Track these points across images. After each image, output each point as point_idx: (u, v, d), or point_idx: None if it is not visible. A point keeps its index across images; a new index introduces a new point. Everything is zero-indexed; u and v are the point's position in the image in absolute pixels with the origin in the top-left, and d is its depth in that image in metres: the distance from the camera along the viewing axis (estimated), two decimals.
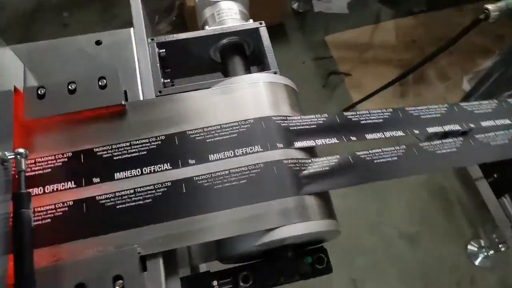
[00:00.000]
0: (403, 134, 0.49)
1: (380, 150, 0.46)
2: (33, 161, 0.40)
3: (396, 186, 1.49)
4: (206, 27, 0.59)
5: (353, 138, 0.47)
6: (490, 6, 0.89)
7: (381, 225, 1.45)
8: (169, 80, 0.53)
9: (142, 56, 0.50)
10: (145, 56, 0.51)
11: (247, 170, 0.41)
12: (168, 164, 0.41)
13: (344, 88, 1.75)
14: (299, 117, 0.46)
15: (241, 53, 0.58)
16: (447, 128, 0.51)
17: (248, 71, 0.58)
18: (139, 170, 0.41)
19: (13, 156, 0.36)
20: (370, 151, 0.46)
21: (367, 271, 1.36)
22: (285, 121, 0.45)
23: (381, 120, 0.49)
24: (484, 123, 0.52)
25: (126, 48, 0.50)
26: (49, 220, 0.38)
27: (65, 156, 0.41)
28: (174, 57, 0.57)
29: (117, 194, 0.40)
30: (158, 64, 0.51)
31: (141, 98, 0.47)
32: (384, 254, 1.39)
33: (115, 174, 0.41)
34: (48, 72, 0.47)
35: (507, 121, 0.53)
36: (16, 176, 0.37)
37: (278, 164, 0.42)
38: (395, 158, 0.46)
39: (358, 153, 0.45)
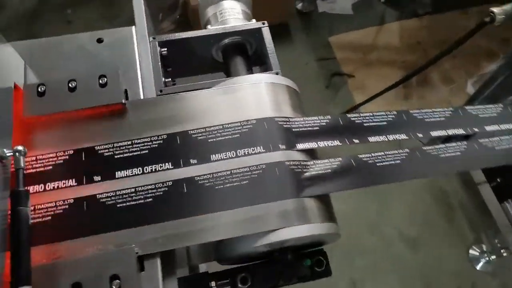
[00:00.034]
0: (407, 137, 0.48)
1: (382, 153, 0.46)
2: (34, 158, 0.40)
3: (398, 188, 1.48)
4: (209, 26, 0.59)
5: (356, 141, 0.47)
6: (495, 9, 0.88)
7: (382, 227, 1.44)
8: (170, 79, 0.53)
9: (143, 54, 0.50)
10: (146, 55, 0.50)
11: (248, 171, 0.41)
12: (170, 163, 0.41)
13: (347, 89, 1.74)
14: (301, 119, 0.46)
15: (243, 53, 0.58)
16: (451, 132, 0.50)
17: (250, 71, 0.58)
18: (140, 169, 0.41)
19: (12, 154, 0.36)
20: (372, 154, 0.46)
21: (367, 273, 1.36)
22: (288, 123, 0.45)
23: (384, 123, 0.48)
24: (489, 128, 0.52)
25: (127, 47, 0.49)
26: (49, 217, 0.38)
27: (66, 153, 0.41)
28: (176, 56, 0.56)
29: (118, 192, 0.39)
30: (160, 63, 0.51)
31: (142, 97, 0.47)
32: (385, 256, 1.39)
33: (116, 172, 0.40)
34: (49, 69, 0.47)
35: None
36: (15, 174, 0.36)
37: (280, 165, 0.42)
38: (398, 161, 0.45)
39: (361, 156, 0.45)
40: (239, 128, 0.43)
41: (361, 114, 0.48)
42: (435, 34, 1.86)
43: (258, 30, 0.56)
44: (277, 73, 0.52)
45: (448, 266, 1.37)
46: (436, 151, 0.47)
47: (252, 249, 0.41)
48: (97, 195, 0.39)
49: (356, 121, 0.48)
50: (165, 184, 0.40)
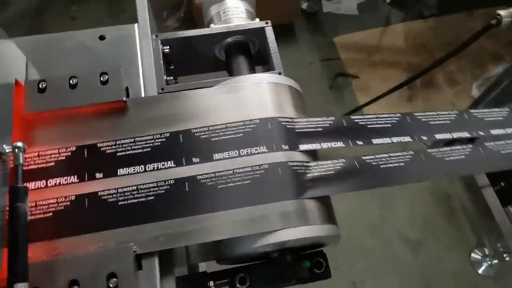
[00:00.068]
0: (411, 140, 0.48)
1: (386, 155, 0.45)
2: (36, 154, 0.40)
3: (399, 190, 1.47)
4: (212, 25, 0.58)
5: (360, 143, 0.46)
6: (502, 12, 0.88)
7: (383, 228, 1.44)
8: (172, 78, 0.53)
9: (145, 52, 0.50)
10: (148, 53, 0.50)
11: (251, 170, 0.41)
12: (172, 162, 0.41)
13: (351, 90, 1.73)
14: (305, 119, 0.46)
15: (246, 53, 0.58)
16: (456, 135, 0.50)
17: (252, 70, 0.57)
18: (143, 167, 0.41)
19: (11, 150, 0.36)
20: (376, 156, 0.45)
21: (367, 274, 1.35)
22: (291, 123, 0.45)
23: (388, 125, 0.48)
24: (494, 131, 0.52)
25: (129, 44, 0.49)
26: (50, 214, 0.38)
27: (68, 150, 0.41)
28: (178, 55, 0.56)
29: (119, 190, 0.39)
30: (162, 61, 0.51)
31: (143, 95, 0.47)
32: (385, 257, 1.38)
33: (118, 170, 0.40)
34: (51, 65, 0.47)
35: None
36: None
37: (283, 166, 0.42)
38: (402, 163, 0.45)
39: (364, 158, 0.45)
40: (242, 127, 0.43)
41: (365, 116, 0.48)
42: (441, 36, 1.85)
43: (261, 30, 0.56)
44: (279, 73, 0.51)
45: (449, 269, 1.37)
46: (441, 154, 0.47)
47: (251, 250, 0.41)
48: (99, 192, 0.39)
49: (360, 123, 0.47)
50: (167, 183, 0.40)
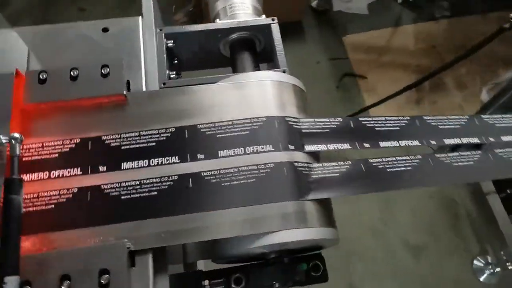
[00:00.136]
0: (419, 144, 0.47)
1: (394, 158, 0.45)
2: (40, 145, 0.40)
3: (404, 194, 1.46)
4: (217, 20, 0.58)
5: (367, 145, 0.46)
6: None
7: (385, 232, 1.42)
8: (175, 73, 0.52)
9: (148, 46, 0.49)
10: (152, 47, 0.50)
11: (256, 169, 0.40)
12: (176, 157, 0.40)
13: (358, 91, 1.72)
14: (311, 120, 0.45)
15: (251, 49, 0.57)
16: (465, 140, 0.49)
17: (257, 68, 0.57)
18: (147, 161, 0.40)
19: (8, 141, 0.36)
20: (383, 159, 0.45)
21: (367, 278, 1.35)
22: (298, 123, 0.44)
23: (397, 128, 0.47)
24: (505, 138, 0.51)
25: (132, 37, 0.49)
26: (52, 206, 0.38)
27: (72, 142, 0.40)
28: (182, 49, 0.56)
29: (122, 184, 0.39)
30: (165, 56, 0.50)
31: (144, 89, 0.46)
32: (386, 262, 1.37)
33: (122, 164, 0.40)
34: (53, 56, 0.47)
35: None
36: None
37: (288, 165, 0.41)
38: (409, 167, 0.44)
39: (371, 161, 0.44)
40: (249, 125, 0.42)
41: (373, 118, 0.47)
42: (452, 39, 1.83)
43: (268, 27, 0.55)
44: (284, 71, 0.51)
45: (450, 276, 1.35)
46: (449, 159, 0.46)
47: (248, 250, 0.40)
48: (102, 186, 0.39)
49: (368, 125, 0.47)
50: (170, 178, 0.39)
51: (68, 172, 0.39)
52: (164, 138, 0.41)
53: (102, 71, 0.42)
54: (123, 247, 0.35)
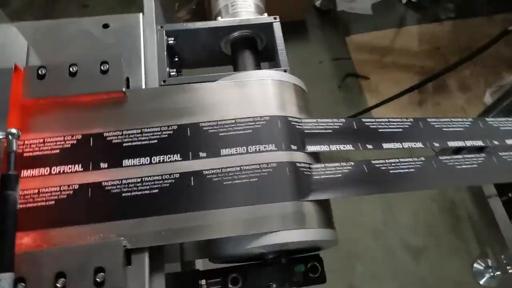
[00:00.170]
0: (423, 146, 0.47)
1: (397, 160, 0.45)
2: (41, 140, 0.40)
3: (405, 195, 1.46)
4: (219, 18, 0.57)
5: (369, 146, 0.45)
6: None
7: (386, 233, 1.42)
8: (175, 70, 0.52)
9: (149, 43, 0.49)
10: (152, 44, 0.49)
11: (259, 168, 0.40)
12: (178, 155, 0.40)
13: (361, 91, 1.71)
14: (314, 120, 0.45)
15: (253, 48, 0.56)
16: (469, 143, 0.49)
17: (258, 66, 0.56)
18: (148, 159, 0.40)
19: (4, 136, 0.35)
20: (386, 161, 0.44)
21: (367, 279, 1.34)
22: (300, 123, 0.44)
23: (400, 130, 0.47)
24: (510, 141, 0.50)
25: (133, 34, 0.48)
26: (52, 202, 0.37)
27: (74, 138, 0.40)
28: (183, 47, 0.55)
29: (123, 181, 0.39)
30: (165, 53, 0.50)
31: (143, 86, 0.46)
32: (386, 263, 1.37)
33: (124, 161, 0.40)
34: (52, 52, 0.46)
35: None
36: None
37: (291, 166, 0.41)
38: (412, 169, 0.44)
39: (374, 162, 0.44)
40: (251, 123, 0.42)
41: (377, 119, 0.47)
42: (456, 40, 1.82)
43: (269, 25, 0.54)
44: (285, 71, 0.50)
45: (450, 278, 1.35)
46: (453, 161, 0.46)
47: (245, 250, 0.40)
48: (103, 183, 0.38)
49: (371, 126, 0.46)
50: (172, 176, 0.39)
51: (69, 168, 0.39)
52: (166, 135, 0.41)
53: (102, 67, 0.42)
54: (119, 245, 0.35)
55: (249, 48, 0.56)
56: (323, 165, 0.43)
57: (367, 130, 0.46)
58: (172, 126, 0.41)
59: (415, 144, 0.47)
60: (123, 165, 0.39)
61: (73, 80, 0.42)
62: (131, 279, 0.35)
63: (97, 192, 0.38)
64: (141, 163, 0.40)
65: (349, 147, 0.45)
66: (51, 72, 0.42)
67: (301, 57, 1.72)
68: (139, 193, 0.38)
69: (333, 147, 0.44)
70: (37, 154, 0.39)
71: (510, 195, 1.22)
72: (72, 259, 0.34)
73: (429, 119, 0.49)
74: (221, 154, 0.41)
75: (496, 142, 0.50)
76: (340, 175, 0.42)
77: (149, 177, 0.39)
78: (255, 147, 0.41)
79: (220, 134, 0.41)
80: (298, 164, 0.41)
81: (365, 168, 0.43)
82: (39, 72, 0.41)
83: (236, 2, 0.57)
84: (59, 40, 0.47)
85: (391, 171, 0.43)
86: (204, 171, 0.40)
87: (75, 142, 0.40)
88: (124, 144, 0.40)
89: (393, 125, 0.47)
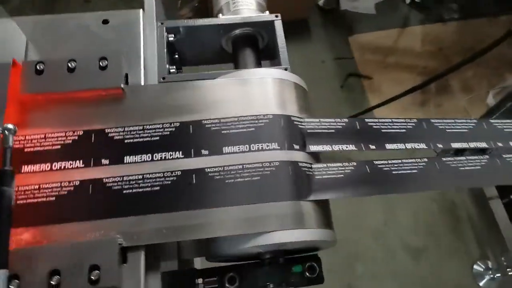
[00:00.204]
0: (426, 147, 0.46)
1: (399, 161, 0.44)
2: (42, 136, 0.39)
3: (405, 196, 1.45)
4: (220, 15, 0.57)
5: (372, 147, 0.45)
6: None
7: (386, 234, 1.41)
8: (175, 67, 0.51)
9: (149, 39, 0.49)
10: (152, 40, 0.49)
11: (261, 166, 0.40)
12: (180, 152, 0.40)
13: (363, 91, 1.70)
14: (317, 120, 0.44)
15: (254, 46, 0.56)
16: (472, 144, 0.48)
17: (259, 65, 0.56)
18: (150, 155, 0.39)
19: (1, 131, 0.35)
20: (389, 161, 0.44)
21: (366, 279, 1.34)
22: (303, 123, 0.44)
23: (403, 130, 0.47)
24: None
25: (133, 30, 0.48)
26: (53, 198, 0.37)
27: (75, 134, 0.40)
28: (183, 44, 0.55)
29: (125, 178, 0.38)
30: (165, 50, 0.50)
31: (142, 83, 0.45)
32: (386, 263, 1.36)
33: (125, 157, 0.39)
34: (51, 47, 0.46)
35: None
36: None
37: (293, 165, 0.40)
38: (415, 170, 0.44)
39: (376, 162, 0.43)
40: (254, 122, 0.42)
41: (380, 120, 0.47)
42: (460, 41, 1.80)
43: (271, 23, 0.54)
44: (286, 69, 0.50)
45: (450, 280, 1.34)
46: (456, 163, 0.46)
47: (243, 250, 0.39)
48: (104, 179, 0.38)
49: (374, 126, 0.46)
50: (173, 174, 0.39)
51: (70, 164, 0.38)
52: (168, 132, 0.41)
53: (100, 63, 0.42)
54: (114, 243, 0.35)
55: (250, 46, 0.56)
56: (325, 165, 0.42)
57: (370, 131, 0.46)
58: (175, 123, 0.41)
59: (418, 145, 0.46)
60: (125, 161, 0.39)
61: (71, 76, 0.41)
62: (127, 277, 0.35)
63: (98, 188, 0.38)
64: (143, 160, 0.39)
65: (351, 147, 0.44)
66: (50, 68, 0.41)
67: (303, 56, 1.71)
68: (140, 190, 0.38)
69: (336, 147, 0.44)
70: (38, 150, 0.39)
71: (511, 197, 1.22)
72: (66, 257, 0.34)
73: (432, 120, 0.49)
74: (224, 152, 0.40)
75: (500, 144, 0.49)
76: (342, 175, 0.42)
77: (151, 174, 0.39)
78: (257, 145, 0.41)
79: (223, 132, 0.41)
80: (300, 164, 0.41)
81: (367, 169, 0.43)
82: (38, 67, 0.41)
83: None
84: (59, 36, 0.46)
85: (393, 172, 0.43)
86: (206, 169, 0.39)
87: (76, 138, 0.40)
88: (126, 141, 0.40)
89: (396, 125, 0.47)
